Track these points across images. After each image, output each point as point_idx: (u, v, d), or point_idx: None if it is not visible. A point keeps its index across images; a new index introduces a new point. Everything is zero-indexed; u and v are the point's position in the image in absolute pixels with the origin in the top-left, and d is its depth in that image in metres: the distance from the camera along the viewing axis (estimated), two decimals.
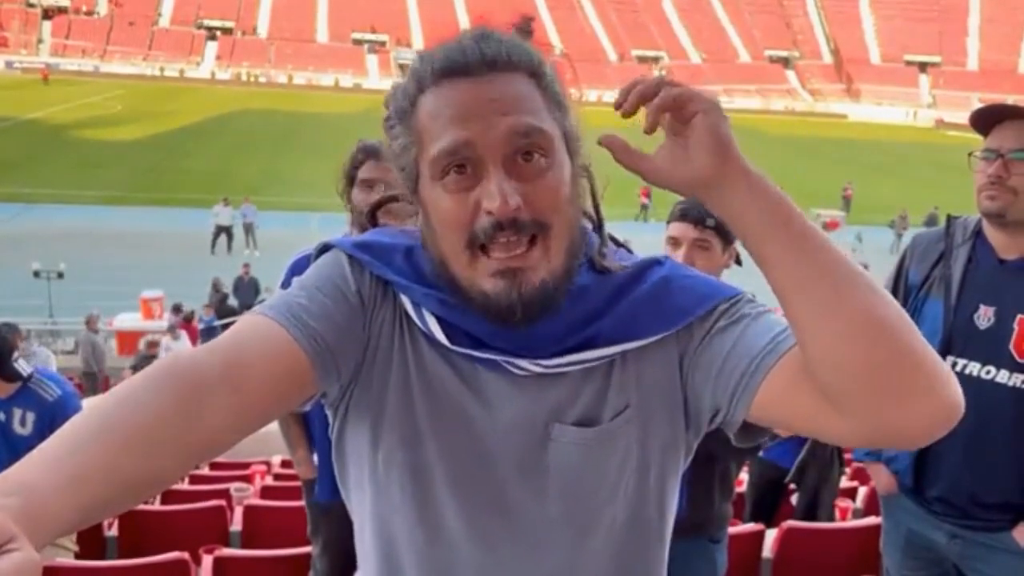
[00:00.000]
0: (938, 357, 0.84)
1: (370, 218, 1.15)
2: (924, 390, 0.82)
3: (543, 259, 0.93)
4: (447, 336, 0.98)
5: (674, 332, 0.99)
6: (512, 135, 0.91)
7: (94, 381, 12.08)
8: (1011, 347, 2.05)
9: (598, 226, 1.06)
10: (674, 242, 2.29)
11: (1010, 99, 2.22)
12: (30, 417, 3.31)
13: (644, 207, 24.94)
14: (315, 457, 2.94)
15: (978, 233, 2.17)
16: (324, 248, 1.06)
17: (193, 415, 0.81)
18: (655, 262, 1.05)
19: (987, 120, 2.08)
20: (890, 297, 0.85)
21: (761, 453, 3.87)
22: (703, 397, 0.99)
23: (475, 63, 0.92)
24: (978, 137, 2.13)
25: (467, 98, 0.92)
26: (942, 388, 0.82)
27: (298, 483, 3.17)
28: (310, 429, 2.95)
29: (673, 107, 0.87)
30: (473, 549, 1.01)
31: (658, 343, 1.00)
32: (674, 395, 1.01)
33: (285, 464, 5.77)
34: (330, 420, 1.08)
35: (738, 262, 2.39)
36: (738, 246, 2.39)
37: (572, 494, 1.00)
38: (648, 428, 1.01)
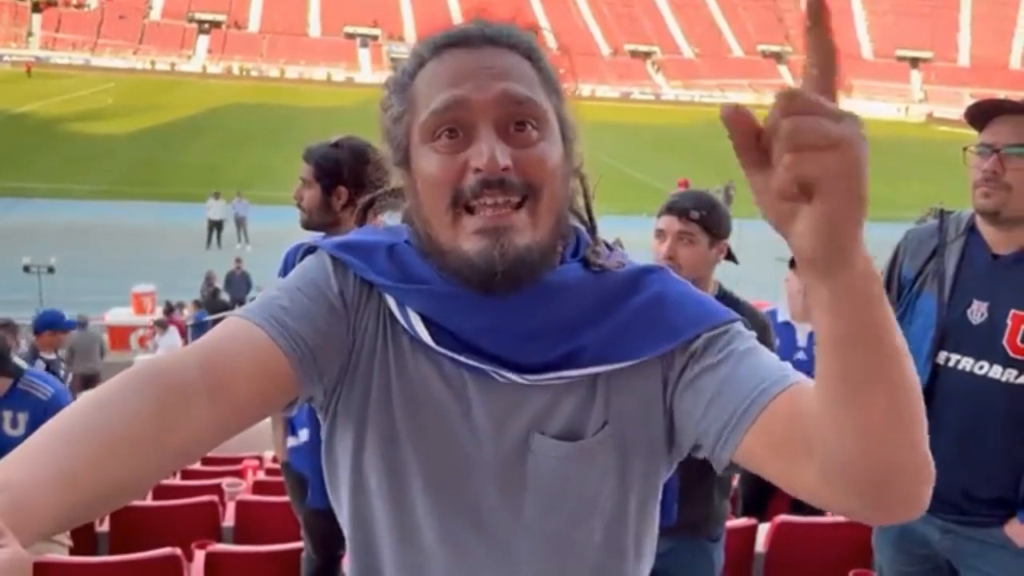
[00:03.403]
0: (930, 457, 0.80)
1: (360, 216, 1.15)
2: (923, 491, 0.81)
3: (529, 224, 0.91)
4: (432, 337, 0.96)
5: (659, 354, 0.97)
6: (505, 99, 0.91)
7: (87, 382, 11.60)
8: (1004, 342, 2.04)
9: (590, 227, 1.05)
10: (660, 235, 2.30)
11: (1001, 94, 2.22)
12: (22, 418, 3.28)
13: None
14: (289, 440, 2.94)
15: (971, 228, 2.16)
16: (309, 251, 1.05)
17: (175, 419, 0.80)
18: (651, 271, 1.02)
19: (982, 115, 2.07)
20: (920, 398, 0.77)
21: None
22: (687, 428, 0.96)
23: (475, 37, 0.94)
24: (970, 132, 2.12)
25: (464, 64, 0.93)
26: (927, 496, 0.81)
27: None
28: (293, 420, 2.95)
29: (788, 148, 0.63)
30: (446, 556, 1.00)
31: (644, 362, 0.97)
32: (656, 417, 0.99)
33: (277, 460, 5.75)
34: (321, 423, 1.07)
35: (729, 257, 2.38)
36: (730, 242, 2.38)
37: (548, 508, 0.98)
38: (628, 448, 0.99)
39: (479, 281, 0.91)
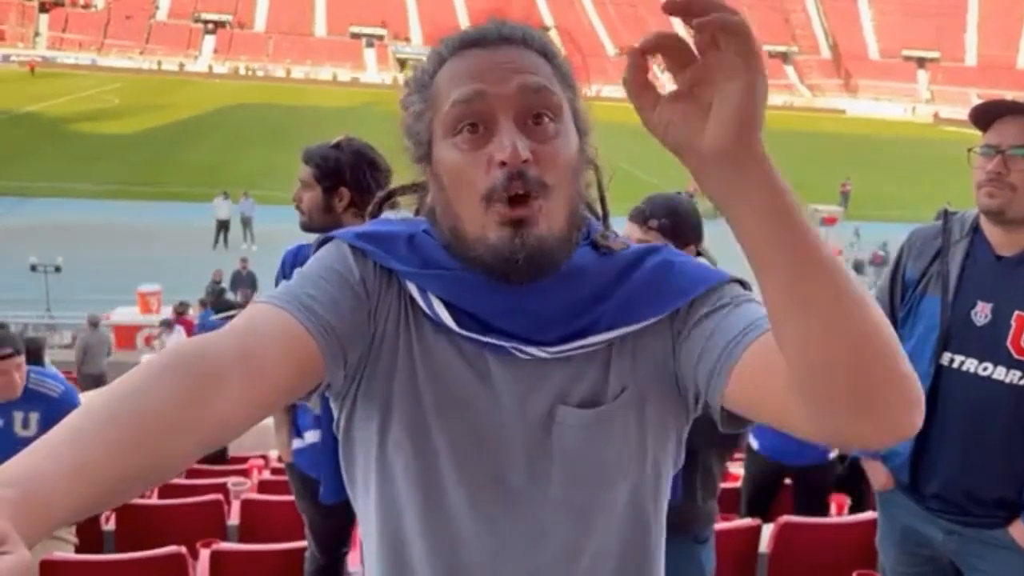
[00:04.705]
0: (909, 367, 0.79)
1: (376, 209, 1.17)
2: (903, 404, 0.78)
3: (544, 214, 0.95)
4: (454, 320, 0.99)
5: (669, 315, 1.01)
6: (524, 90, 0.95)
7: (98, 382, 11.54)
8: (1008, 344, 2.04)
9: (603, 215, 1.10)
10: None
11: (1008, 95, 2.21)
12: (34, 417, 3.25)
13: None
14: (295, 442, 2.95)
15: (975, 229, 2.16)
16: (324, 241, 1.06)
17: (206, 401, 0.80)
18: (654, 248, 1.07)
19: (987, 116, 2.07)
20: (880, 313, 0.78)
21: (756, 447, 3.88)
22: (687, 380, 1.01)
23: (492, 36, 0.99)
24: (977, 132, 2.12)
25: (482, 60, 0.97)
26: (915, 405, 0.79)
27: None
28: (299, 423, 2.96)
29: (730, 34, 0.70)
30: (477, 532, 1.02)
31: (655, 326, 1.01)
32: (668, 377, 1.03)
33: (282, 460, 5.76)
34: (335, 413, 1.08)
35: (700, 257, 2.37)
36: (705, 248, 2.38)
37: (575, 478, 1.01)
38: (645, 410, 1.03)
39: (501, 268, 0.95)
